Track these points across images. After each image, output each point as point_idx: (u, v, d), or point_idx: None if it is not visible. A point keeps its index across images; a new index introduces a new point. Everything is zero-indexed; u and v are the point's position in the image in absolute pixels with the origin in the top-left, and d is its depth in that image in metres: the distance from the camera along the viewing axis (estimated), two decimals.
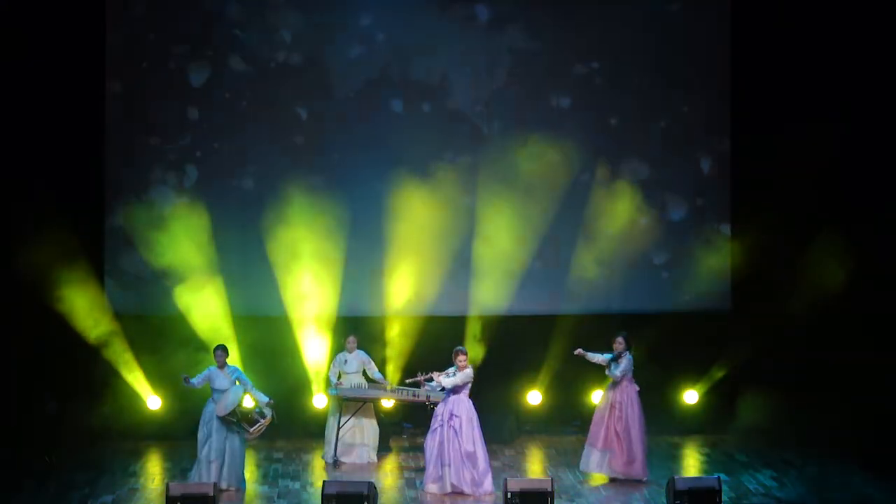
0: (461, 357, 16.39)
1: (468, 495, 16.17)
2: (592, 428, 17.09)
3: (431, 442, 16.38)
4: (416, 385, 16.88)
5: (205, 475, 16.31)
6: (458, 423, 16.29)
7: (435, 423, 16.43)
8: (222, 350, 16.71)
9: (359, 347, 18.37)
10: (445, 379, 16.33)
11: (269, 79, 19.51)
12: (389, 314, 19.54)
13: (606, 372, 17.04)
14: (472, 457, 16.26)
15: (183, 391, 18.18)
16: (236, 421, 16.43)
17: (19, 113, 18.80)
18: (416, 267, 19.43)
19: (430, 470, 16.40)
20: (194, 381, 16.54)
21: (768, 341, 19.40)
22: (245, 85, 19.49)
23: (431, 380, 16.50)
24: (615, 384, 17.00)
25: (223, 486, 16.35)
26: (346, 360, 18.25)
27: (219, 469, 16.39)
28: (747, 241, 19.61)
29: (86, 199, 19.21)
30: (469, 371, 16.40)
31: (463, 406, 16.38)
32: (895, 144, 19.35)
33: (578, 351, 17.19)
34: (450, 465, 16.24)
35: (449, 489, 16.26)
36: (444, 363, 16.65)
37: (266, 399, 16.60)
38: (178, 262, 19.14)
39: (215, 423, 16.47)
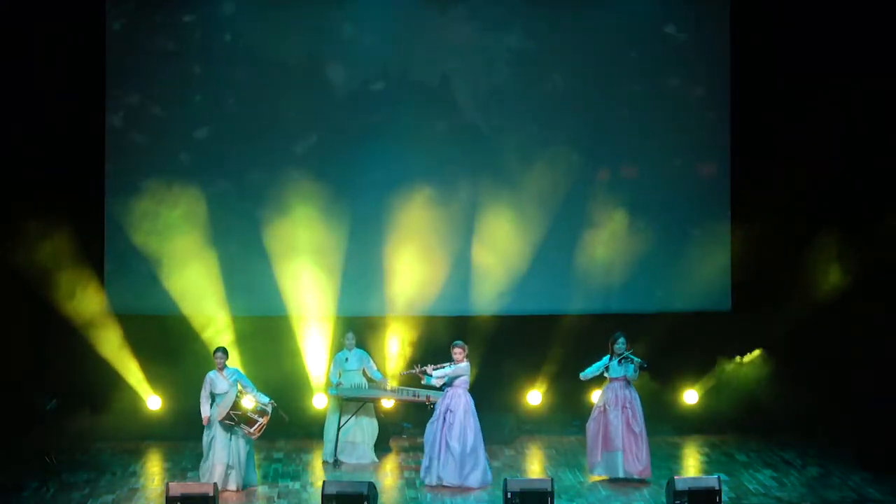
0: (457, 350, 16.55)
1: (453, 488, 16.28)
2: (610, 432, 16.80)
3: (428, 435, 16.54)
4: (414, 377, 16.88)
5: (217, 479, 16.14)
6: (452, 417, 16.40)
7: (433, 417, 16.62)
8: (223, 352, 16.68)
9: (358, 346, 18.38)
10: (436, 372, 16.45)
11: (270, 78, 19.49)
12: (389, 314, 19.55)
13: (611, 374, 16.91)
14: (456, 451, 16.33)
15: (183, 391, 18.21)
16: (235, 423, 16.40)
17: (19, 112, 18.80)
18: (416, 267, 19.43)
19: (424, 462, 16.59)
20: (207, 396, 16.51)
21: (768, 341, 19.40)
22: (246, 85, 19.48)
23: (426, 373, 16.57)
24: (616, 382, 16.92)
25: (233, 487, 16.33)
26: (346, 359, 18.23)
27: (233, 473, 16.33)
28: (747, 241, 19.61)
29: (86, 198, 19.21)
30: (464, 365, 16.50)
31: (460, 401, 16.48)
32: (895, 143, 19.35)
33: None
34: (438, 459, 16.39)
35: (435, 481, 16.43)
36: (443, 362, 16.71)
37: (266, 400, 16.58)
38: (178, 263, 19.15)
39: (218, 427, 16.43)
